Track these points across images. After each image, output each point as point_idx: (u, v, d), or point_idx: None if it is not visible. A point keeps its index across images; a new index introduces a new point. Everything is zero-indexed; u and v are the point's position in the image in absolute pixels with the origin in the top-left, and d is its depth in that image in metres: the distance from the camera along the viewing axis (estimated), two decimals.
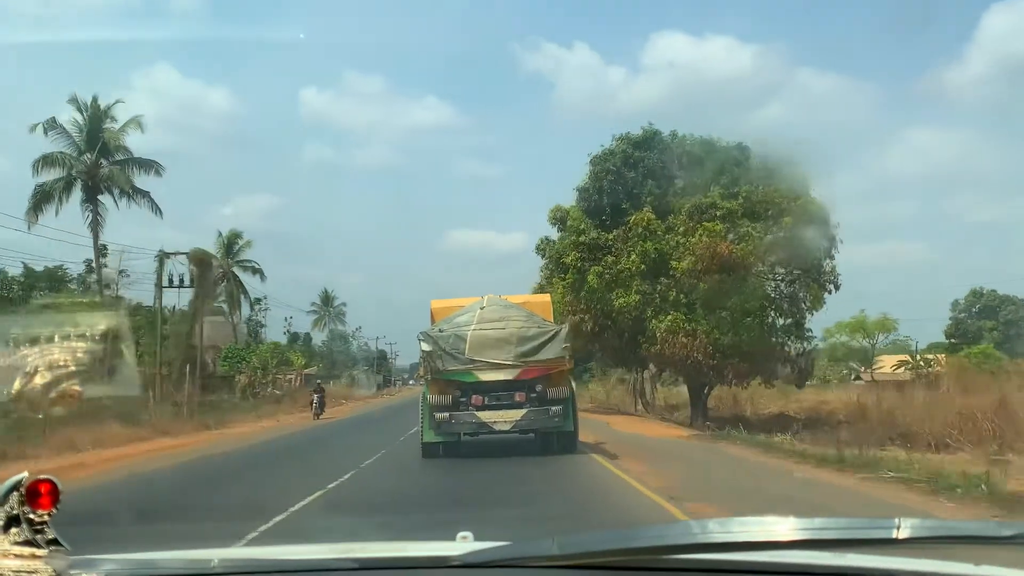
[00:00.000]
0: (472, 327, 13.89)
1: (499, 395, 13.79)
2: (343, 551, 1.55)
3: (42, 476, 1.01)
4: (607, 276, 23.38)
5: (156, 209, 34.23)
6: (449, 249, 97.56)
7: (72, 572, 1.02)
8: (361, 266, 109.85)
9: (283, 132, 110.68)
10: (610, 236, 24.25)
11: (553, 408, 13.67)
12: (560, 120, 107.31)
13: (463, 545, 1.59)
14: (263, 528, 7.54)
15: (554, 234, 27.41)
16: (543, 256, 27.70)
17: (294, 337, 67.08)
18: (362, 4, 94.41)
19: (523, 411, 13.67)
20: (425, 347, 13.92)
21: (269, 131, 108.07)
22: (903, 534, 1.16)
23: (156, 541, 2.01)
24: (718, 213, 22.46)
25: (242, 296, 47.00)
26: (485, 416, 13.67)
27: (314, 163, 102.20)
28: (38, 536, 1.00)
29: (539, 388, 13.79)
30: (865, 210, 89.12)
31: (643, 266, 22.68)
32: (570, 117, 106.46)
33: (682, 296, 22.62)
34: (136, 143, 34.01)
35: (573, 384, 14.41)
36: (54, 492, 1.01)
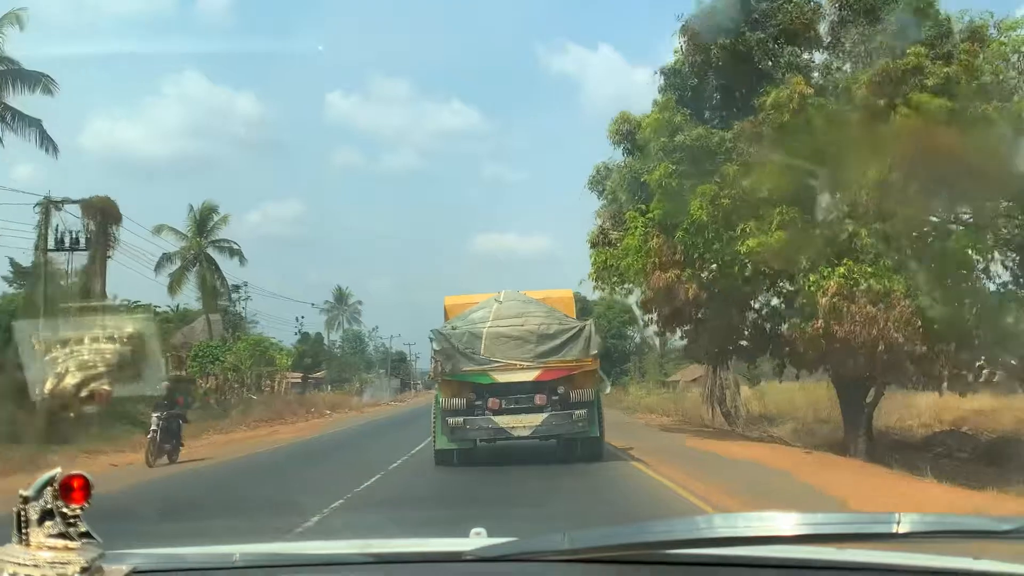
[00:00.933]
0: (488, 324, 12.93)
1: (517, 398, 12.86)
2: (361, 547, 1.60)
3: (75, 472, 1.03)
4: (723, 201, 14.63)
5: (47, 144, 24.71)
6: (474, 252, 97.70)
7: (103, 564, 1.04)
8: (386, 271, 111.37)
9: (309, 137, 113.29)
10: (727, 134, 15.52)
11: (577, 412, 12.68)
12: (585, 123, 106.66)
13: (476, 541, 1.60)
14: None
15: (617, 159, 18.98)
16: (599, 193, 20.10)
17: (304, 337, 64.54)
18: (385, 9, 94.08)
19: (544, 415, 12.70)
20: (437, 346, 12.96)
21: (295, 136, 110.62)
22: (903, 528, 1.18)
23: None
24: (928, 82, 13.58)
25: (217, 283, 40.68)
26: (502, 421, 12.70)
27: (340, 167, 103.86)
28: (71, 529, 1.02)
29: (561, 390, 12.83)
30: None
31: (788, 181, 13.87)
32: (595, 119, 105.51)
33: (865, 233, 13.84)
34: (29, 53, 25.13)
35: (601, 385, 13.35)
36: (86, 487, 1.03)
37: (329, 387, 58.78)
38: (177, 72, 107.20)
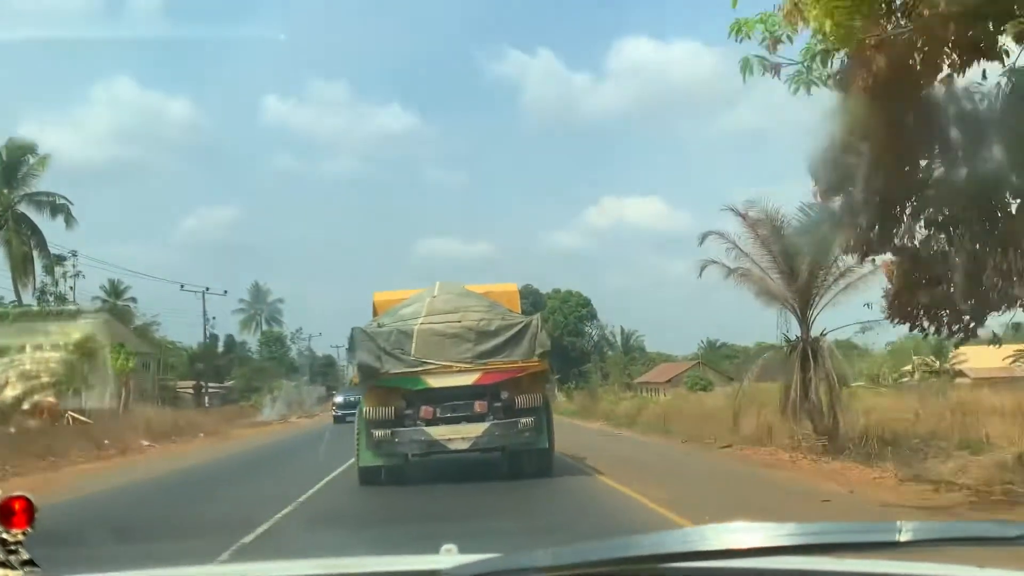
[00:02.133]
0: (420, 320, 11.43)
1: (454, 405, 11.42)
2: (328, 567, 1.58)
3: (15, 493, 0.99)
4: None
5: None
6: (416, 258, 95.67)
7: None
8: (324, 277, 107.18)
9: (245, 141, 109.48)
10: None
11: (523, 420, 11.27)
12: (525, 127, 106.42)
13: (449, 558, 1.56)
14: None
15: None
16: None
17: (212, 340, 60.04)
18: (323, 11, 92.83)
19: (485, 424, 11.25)
20: (360, 347, 11.32)
21: (231, 141, 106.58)
22: (904, 537, 1.17)
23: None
24: None
25: (35, 250, 30.92)
26: (437, 432, 11.19)
27: (277, 172, 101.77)
28: (12, 557, 0.97)
29: (505, 396, 11.43)
30: None
31: None
32: (535, 123, 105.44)
33: None
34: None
35: (549, 389, 11.88)
36: (29, 510, 0.98)
37: (234, 397, 54.19)
38: (107, 76, 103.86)
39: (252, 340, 72.26)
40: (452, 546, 1.67)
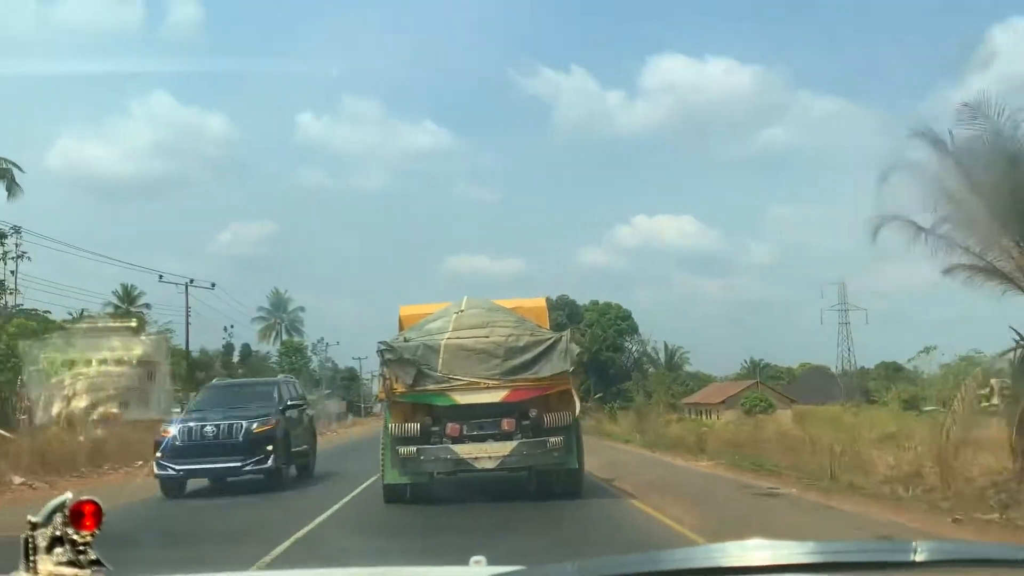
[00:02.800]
0: (447, 335, 11.27)
1: (482, 423, 11.24)
2: (366, 574, 1.68)
3: (85, 497, 1.03)
4: None
5: None
6: (444, 274, 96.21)
7: None
8: (354, 292, 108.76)
9: (279, 157, 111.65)
10: None
11: (552, 439, 11.02)
12: (557, 144, 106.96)
13: (478, 570, 1.63)
14: None
15: None
16: None
17: (228, 348, 59.14)
18: (357, 29, 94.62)
19: (513, 443, 11.03)
20: (385, 361, 11.17)
21: (265, 157, 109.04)
22: (920, 557, 1.18)
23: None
24: None
25: None
26: (464, 450, 10.99)
27: (310, 188, 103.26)
28: (81, 557, 1.01)
29: (533, 414, 11.20)
30: None
31: None
32: (567, 140, 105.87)
33: None
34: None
35: (578, 408, 11.64)
36: (97, 513, 1.03)
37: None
38: (145, 92, 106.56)
39: (272, 350, 70.69)
40: (481, 558, 1.70)
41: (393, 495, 11.58)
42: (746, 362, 70.23)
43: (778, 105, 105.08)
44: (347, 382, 78.49)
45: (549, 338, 11.44)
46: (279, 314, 71.63)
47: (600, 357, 61.48)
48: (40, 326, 27.76)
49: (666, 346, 68.05)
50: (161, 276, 36.50)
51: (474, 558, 1.70)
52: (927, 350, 41.50)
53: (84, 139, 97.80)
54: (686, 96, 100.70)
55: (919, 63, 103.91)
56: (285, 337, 71.91)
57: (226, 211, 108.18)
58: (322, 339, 74.66)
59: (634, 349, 67.42)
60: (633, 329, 67.69)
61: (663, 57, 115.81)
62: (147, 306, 48.47)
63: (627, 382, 60.00)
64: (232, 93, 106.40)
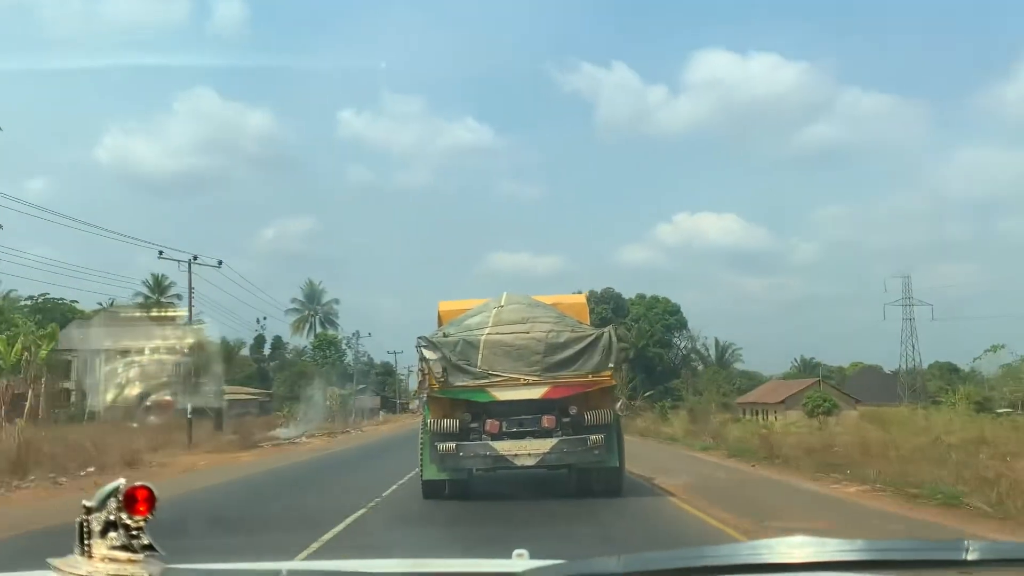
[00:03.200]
0: (487, 331, 11.23)
1: (521, 420, 11.19)
2: (408, 566, 1.65)
3: (139, 483, 1.05)
4: None
5: None
6: (486, 271, 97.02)
7: None
8: (398, 289, 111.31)
9: (322, 154, 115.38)
10: None
11: (592, 437, 10.94)
12: (599, 140, 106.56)
13: (522, 563, 1.58)
14: None
15: None
16: None
17: (259, 341, 58.28)
18: (398, 26, 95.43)
19: (553, 441, 10.95)
20: (424, 357, 11.13)
21: (308, 153, 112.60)
22: (972, 556, 1.17)
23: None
24: None
25: None
26: (503, 447, 10.94)
27: (352, 185, 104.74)
28: (134, 541, 1.03)
29: (574, 411, 11.12)
30: None
31: None
32: (609, 137, 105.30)
33: None
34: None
35: (619, 406, 11.50)
36: (150, 499, 1.04)
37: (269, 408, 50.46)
38: (189, 87, 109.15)
39: (306, 343, 68.73)
40: (524, 551, 1.71)
41: (432, 491, 11.58)
42: (796, 360, 67.73)
43: (824, 101, 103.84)
44: (382, 377, 76.76)
45: (591, 334, 11.33)
46: (313, 306, 69.80)
47: (647, 353, 59.21)
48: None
49: (717, 343, 64.62)
50: (161, 252, 33.27)
51: (517, 551, 1.72)
52: (994, 349, 39.44)
53: (130, 134, 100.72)
54: (730, 92, 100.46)
55: (968, 58, 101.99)
56: (319, 330, 69.76)
57: (268, 207, 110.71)
58: (356, 333, 72.64)
59: (683, 345, 64.48)
60: (682, 324, 64.53)
61: (707, 52, 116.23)
62: (178, 296, 47.40)
63: (675, 380, 57.36)
64: (275, 89, 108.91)
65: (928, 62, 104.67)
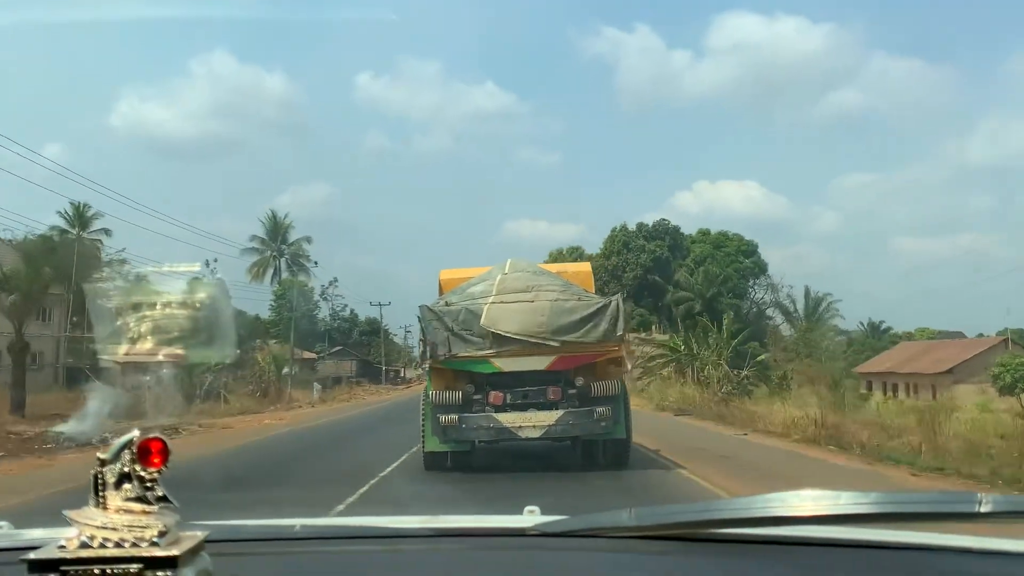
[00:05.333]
0: (490, 299, 11.16)
1: (526, 391, 11.21)
2: (420, 521, 1.67)
3: (152, 435, 1.07)
4: None
5: None
6: (503, 239, 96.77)
7: (179, 531, 1.07)
8: (415, 256, 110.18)
9: (338, 118, 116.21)
10: None
11: (599, 409, 10.98)
12: (620, 106, 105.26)
13: (534, 518, 1.64)
14: None
15: None
16: None
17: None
18: None
19: (559, 412, 10.98)
20: (425, 326, 11.04)
21: (324, 118, 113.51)
22: (985, 508, 1.18)
23: None
24: None
25: None
26: (507, 419, 10.95)
27: (368, 150, 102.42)
28: (148, 493, 1.06)
29: (580, 382, 11.13)
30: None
31: None
32: (630, 103, 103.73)
33: None
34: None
35: (625, 376, 11.51)
36: (164, 451, 1.06)
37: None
38: (206, 51, 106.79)
39: (266, 292, 55.55)
40: (535, 507, 1.75)
41: (433, 462, 11.61)
42: (862, 324, 55.58)
43: (850, 66, 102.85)
44: (366, 336, 65.41)
45: (598, 303, 11.28)
46: (276, 246, 55.49)
47: (717, 305, 45.90)
48: None
49: (808, 293, 49.18)
50: None
51: (528, 507, 1.77)
52: None
53: (145, 99, 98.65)
54: (754, 56, 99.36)
55: (1000, 22, 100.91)
56: (285, 276, 56.79)
57: (284, 173, 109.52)
58: (334, 280, 62.11)
59: (764, 297, 52.42)
60: (759, 269, 52.77)
61: (731, 15, 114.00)
62: (105, 231, 42.46)
63: (751, 342, 39.29)
64: (292, 52, 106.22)
65: (959, 26, 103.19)
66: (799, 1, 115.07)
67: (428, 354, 11.39)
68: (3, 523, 1.51)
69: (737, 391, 28.04)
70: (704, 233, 56.28)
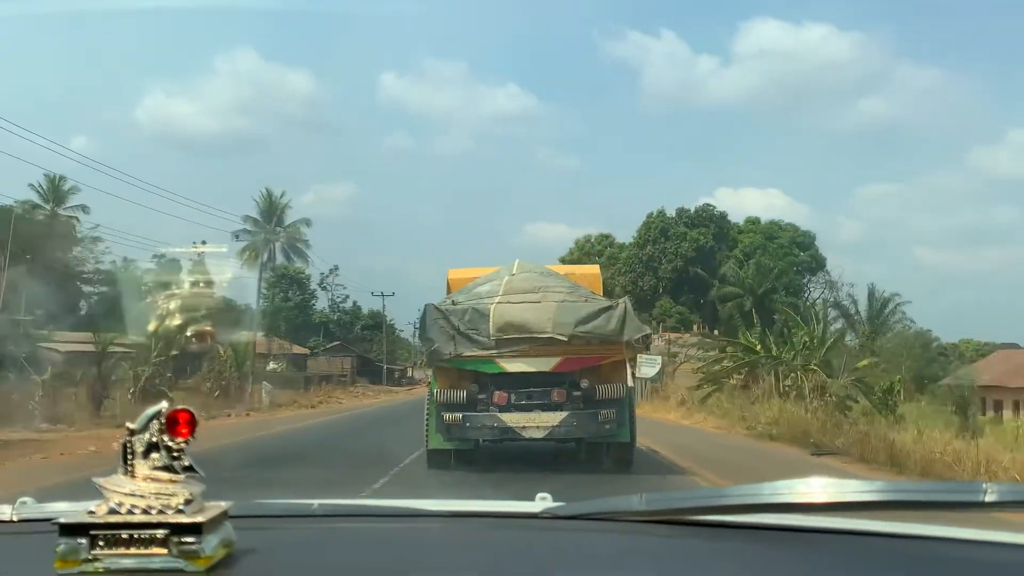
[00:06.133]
0: (497, 299, 11.27)
1: (530, 392, 11.30)
2: (435, 504, 1.71)
3: (180, 406, 1.12)
4: None
5: None
6: (521, 242, 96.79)
7: (204, 500, 1.13)
8: (434, 257, 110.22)
9: (361, 118, 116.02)
10: None
11: (604, 411, 11.06)
12: (643, 111, 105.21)
13: (546, 503, 1.66)
14: None
15: None
16: None
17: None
18: None
19: (562, 414, 11.08)
20: (431, 324, 11.13)
21: (347, 117, 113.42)
22: (991, 497, 1.18)
23: None
24: None
25: None
26: (511, 419, 11.07)
27: (390, 149, 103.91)
28: (175, 462, 1.11)
29: (585, 384, 11.23)
30: None
31: None
32: (654, 108, 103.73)
33: None
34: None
35: (631, 379, 11.60)
36: (192, 422, 1.11)
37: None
38: (229, 48, 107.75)
39: (255, 277, 50.16)
40: (546, 495, 1.77)
41: (437, 460, 11.72)
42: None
43: (877, 75, 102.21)
44: (369, 331, 61.05)
45: (605, 305, 11.35)
46: (271, 228, 49.35)
47: (770, 304, 40.74)
48: None
49: (871, 292, 42.94)
50: None
51: (539, 494, 1.79)
52: None
53: (171, 95, 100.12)
54: (780, 63, 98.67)
55: None
56: (280, 261, 51.45)
57: (307, 171, 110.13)
58: (334, 268, 56.06)
59: (823, 295, 45.16)
60: (817, 264, 47.02)
61: (758, 22, 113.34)
62: (83, 208, 39.55)
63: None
64: (316, 51, 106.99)
65: (987, 35, 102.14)
66: (826, 9, 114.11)
67: (434, 352, 11.50)
68: (27, 499, 1.56)
69: (836, 407, 20.48)
70: (753, 222, 51.25)
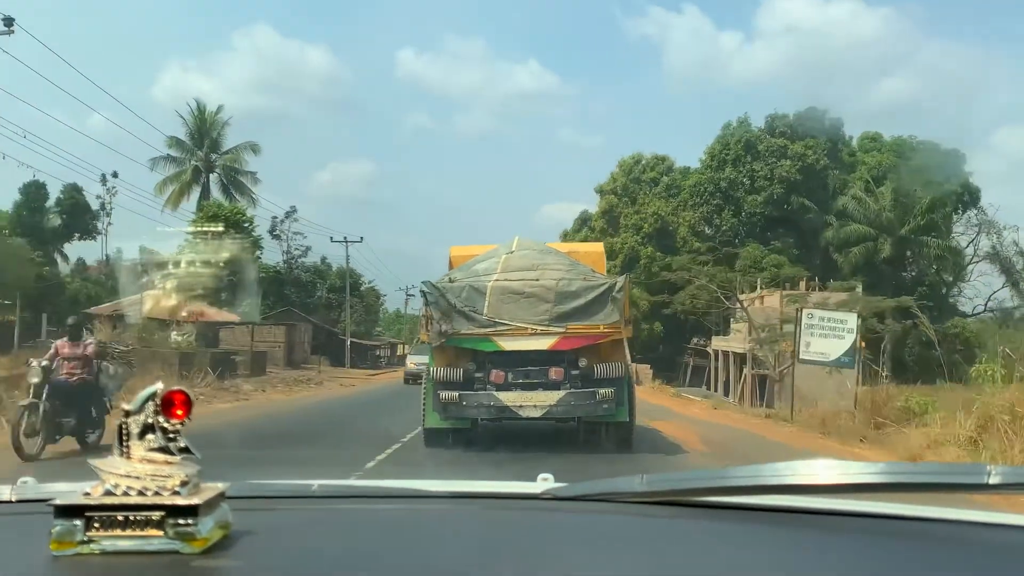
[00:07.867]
0: (494, 277, 11.25)
1: (528, 371, 11.32)
2: (437, 485, 1.71)
3: (175, 387, 1.13)
4: None
5: None
6: (540, 223, 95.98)
7: (200, 481, 1.13)
8: (452, 238, 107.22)
9: (380, 95, 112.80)
10: None
11: (602, 391, 11.08)
12: (666, 88, 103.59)
13: (547, 484, 1.65)
14: None
15: None
16: None
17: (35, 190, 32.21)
18: None
19: (560, 393, 11.11)
20: (429, 302, 11.18)
21: (365, 94, 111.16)
22: (994, 480, 1.19)
23: None
24: None
25: None
26: (508, 398, 11.11)
27: (409, 127, 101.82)
28: (171, 444, 1.12)
29: (583, 363, 11.27)
30: None
31: None
32: (676, 86, 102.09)
33: None
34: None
35: (629, 358, 11.62)
36: (187, 403, 1.12)
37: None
38: (248, 24, 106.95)
39: (184, 217, 38.61)
40: (548, 475, 1.78)
41: (434, 439, 11.78)
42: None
43: (906, 52, 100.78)
44: (338, 296, 49.20)
45: (604, 283, 11.35)
46: (202, 153, 38.89)
47: (916, 248, 31.42)
48: None
49: None
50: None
51: (541, 475, 1.79)
52: None
53: (188, 71, 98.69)
54: (806, 40, 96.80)
55: None
56: (214, 197, 39.33)
57: (325, 149, 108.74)
58: (292, 210, 45.01)
59: (979, 242, 34.41)
60: (971, 196, 34.55)
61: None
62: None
63: (954, 317, 26.61)
64: (334, 27, 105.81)
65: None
66: None
67: (432, 330, 11.50)
68: (28, 479, 1.57)
69: None
70: (872, 139, 38.05)
